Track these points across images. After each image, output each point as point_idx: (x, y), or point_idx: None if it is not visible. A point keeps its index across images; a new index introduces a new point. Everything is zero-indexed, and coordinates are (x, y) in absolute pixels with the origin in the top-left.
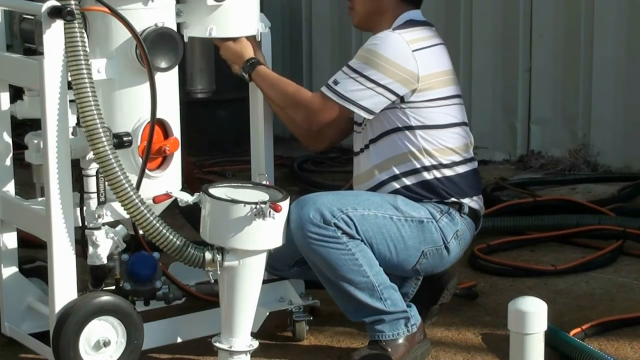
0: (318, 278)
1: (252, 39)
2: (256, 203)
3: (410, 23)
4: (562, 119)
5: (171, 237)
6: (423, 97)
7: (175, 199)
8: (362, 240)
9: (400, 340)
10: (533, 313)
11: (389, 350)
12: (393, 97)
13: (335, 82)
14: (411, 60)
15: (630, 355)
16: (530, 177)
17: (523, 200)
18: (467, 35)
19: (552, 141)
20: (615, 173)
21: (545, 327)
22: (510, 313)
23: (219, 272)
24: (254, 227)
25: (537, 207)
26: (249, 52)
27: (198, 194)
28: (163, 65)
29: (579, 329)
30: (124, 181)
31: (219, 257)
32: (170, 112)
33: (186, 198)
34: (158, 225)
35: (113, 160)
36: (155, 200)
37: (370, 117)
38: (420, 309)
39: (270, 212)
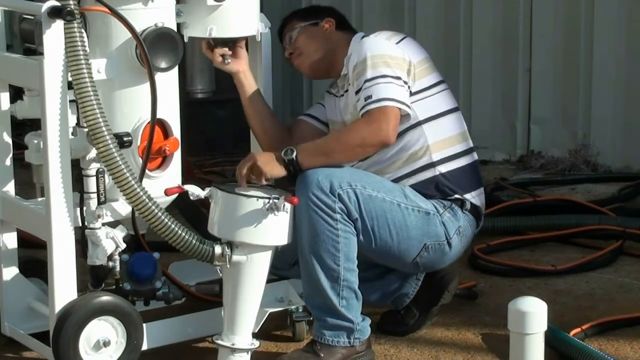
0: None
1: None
2: (269, 198)
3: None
4: (562, 119)
5: (180, 231)
6: (419, 86)
7: (178, 197)
8: (355, 227)
9: (338, 350)
10: (533, 313)
11: (322, 355)
12: (407, 87)
13: (369, 97)
14: (399, 50)
15: (630, 355)
16: (530, 177)
17: (523, 200)
18: (467, 35)
19: (552, 141)
20: (615, 173)
21: (545, 327)
22: (510, 313)
23: (228, 266)
24: (265, 223)
25: (537, 207)
26: (274, 158)
27: (209, 188)
28: (163, 65)
29: (579, 329)
30: (129, 177)
31: (228, 251)
32: (170, 112)
33: (197, 192)
34: (167, 220)
35: (118, 157)
36: (168, 192)
37: (409, 111)
38: (420, 310)
39: (284, 205)
